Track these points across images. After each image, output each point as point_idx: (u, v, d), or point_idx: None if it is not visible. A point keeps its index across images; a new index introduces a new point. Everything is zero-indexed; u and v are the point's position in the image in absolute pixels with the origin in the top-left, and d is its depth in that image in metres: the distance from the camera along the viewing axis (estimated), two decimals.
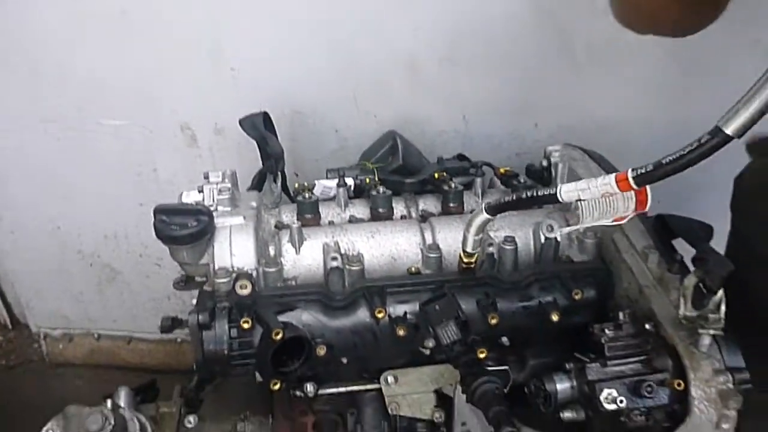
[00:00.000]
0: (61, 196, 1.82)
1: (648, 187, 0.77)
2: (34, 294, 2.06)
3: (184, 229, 1.03)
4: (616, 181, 0.76)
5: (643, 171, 0.72)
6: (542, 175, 1.29)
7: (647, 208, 0.80)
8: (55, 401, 1.13)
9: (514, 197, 0.87)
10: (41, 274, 1.99)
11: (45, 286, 2.03)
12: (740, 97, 0.65)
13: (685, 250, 1.02)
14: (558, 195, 0.82)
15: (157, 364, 2.11)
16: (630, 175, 0.74)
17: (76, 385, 2.12)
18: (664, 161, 0.70)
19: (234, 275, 1.01)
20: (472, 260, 1.01)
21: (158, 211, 1.06)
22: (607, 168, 1.22)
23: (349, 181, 1.27)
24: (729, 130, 0.66)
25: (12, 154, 1.75)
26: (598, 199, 0.80)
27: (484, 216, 0.91)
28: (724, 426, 0.88)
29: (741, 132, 0.65)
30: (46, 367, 2.22)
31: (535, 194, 0.86)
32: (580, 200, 0.81)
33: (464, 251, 0.99)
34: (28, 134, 1.71)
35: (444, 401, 1.14)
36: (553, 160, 1.27)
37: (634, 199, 0.79)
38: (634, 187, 0.74)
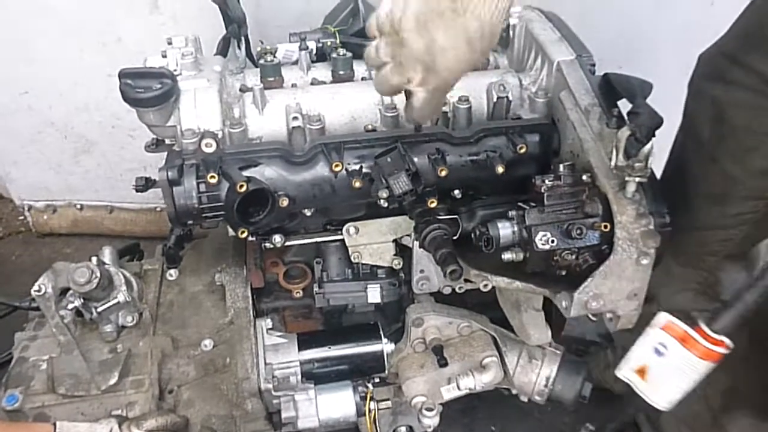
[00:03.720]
0: (26, 60, 1.80)
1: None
2: (13, 166, 2.09)
3: (149, 91, 1.07)
4: None
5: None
6: (500, 35, 1.31)
7: None
8: (48, 267, 1.22)
9: None
10: (16, 145, 2.01)
11: (22, 159, 2.05)
12: None
13: None
14: None
15: (140, 231, 2.20)
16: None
17: (65, 253, 2.22)
18: None
19: (200, 135, 1.06)
20: None
21: (123, 75, 1.09)
22: (566, 34, 1.23)
23: (311, 45, 1.29)
24: None
25: None
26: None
27: None
28: (644, 262, 1.00)
29: None
30: (34, 237, 2.31)
31: None
32: None
33: None
34: None
35: (404, 251, 1.25)
36: (511, 21, 1.29)
37: None
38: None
